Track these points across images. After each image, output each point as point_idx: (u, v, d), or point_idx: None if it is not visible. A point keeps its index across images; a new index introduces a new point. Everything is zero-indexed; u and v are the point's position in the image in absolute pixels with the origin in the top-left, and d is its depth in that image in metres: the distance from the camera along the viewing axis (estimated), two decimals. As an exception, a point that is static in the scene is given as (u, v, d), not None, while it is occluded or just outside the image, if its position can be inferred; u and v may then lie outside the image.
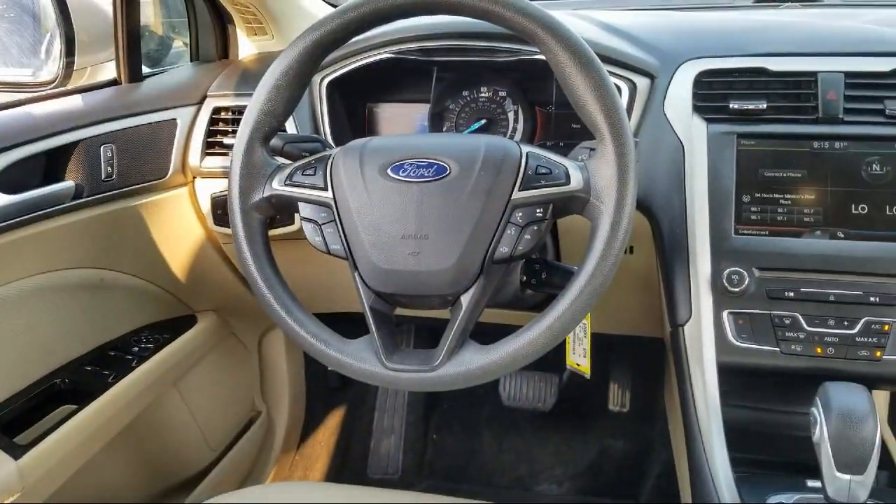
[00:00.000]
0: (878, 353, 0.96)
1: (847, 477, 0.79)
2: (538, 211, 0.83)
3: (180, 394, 1.49)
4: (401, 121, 1.36)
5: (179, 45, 1.61)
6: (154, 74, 1.41)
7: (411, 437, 1.98)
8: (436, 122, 1.29)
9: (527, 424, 1.96)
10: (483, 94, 1.30)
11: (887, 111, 1.02)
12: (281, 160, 0.94)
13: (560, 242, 1.23)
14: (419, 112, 1.34)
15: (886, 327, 0.96)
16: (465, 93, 1.30)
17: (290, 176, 0.90)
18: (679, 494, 1.25)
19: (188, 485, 1.56)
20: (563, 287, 0.83)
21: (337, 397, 2.06)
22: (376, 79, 1.30)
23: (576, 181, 0.83)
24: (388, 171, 0.86)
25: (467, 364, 0.84)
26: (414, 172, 0.85)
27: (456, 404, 2.03)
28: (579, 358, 1.23)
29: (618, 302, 1.35)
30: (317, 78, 1.25)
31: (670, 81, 1.11)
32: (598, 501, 1.81)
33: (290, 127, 1.25)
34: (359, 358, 0.87)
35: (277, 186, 0.90)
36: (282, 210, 0.93)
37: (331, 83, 1.25)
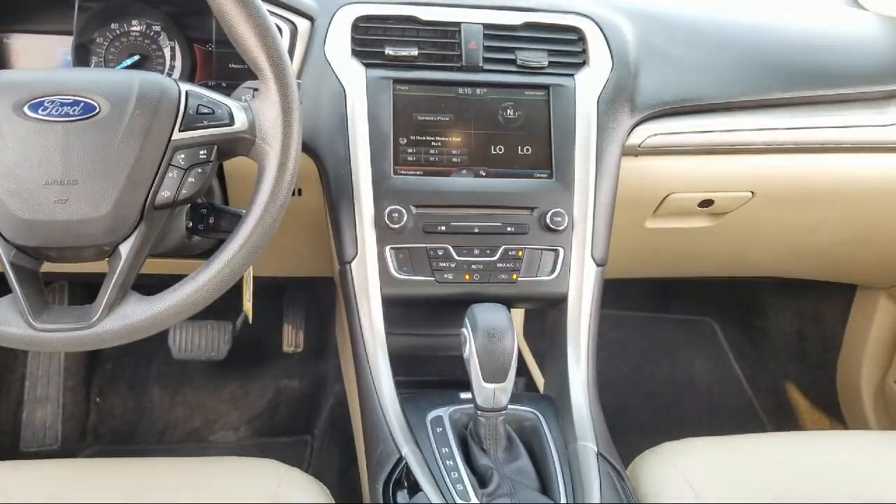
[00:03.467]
0: (515, 276, 1.09)
1: (492, 386, 0.90)
2: (202, 153, 0.81)
3: None
4: (39, 55, 1.20)
5: None
6: None
7: (70, 404, 1.82)
8: (81, 57, 1.17)
9: (200, 375, 1.92)
10: (135, 28, 1.20)
11: (518, 61, 1.14)
12: None
13: (227, 186, 1.20)
14: (61, 45, 1.19)
15: (520, 253, 1.10)
16: (113, 25, 1.19)
17: None
18: (351, 421, 1.33)
19: None
20: (232, 231, 0.82)
21: (-24, 369, 1.82)
22: (4, 5, 1.13)
23: (240, 122, 0.81)
24: (25, 110, 0.76)
25: (130, 317, 0.79)
26: (56, 111, 0.77)
27: (121, 363, 1.91)
28: (247, 301, 1.23)
29: (288, 244, 1.36)
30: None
31: (329, 24, 1.13)
32: (274, 441, 1.85)
33: None
34: None
35: None
36: None
37: (-58, 8, 1.06)
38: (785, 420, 2.06)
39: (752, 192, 1.33)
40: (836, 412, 2.06)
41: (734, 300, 2.18)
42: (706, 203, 1.35)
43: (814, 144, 1.28)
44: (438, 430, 0.99)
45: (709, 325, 2.21)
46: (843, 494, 1.07)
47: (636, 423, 1.78)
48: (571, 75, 1.16)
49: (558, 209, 1.09)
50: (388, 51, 1.12)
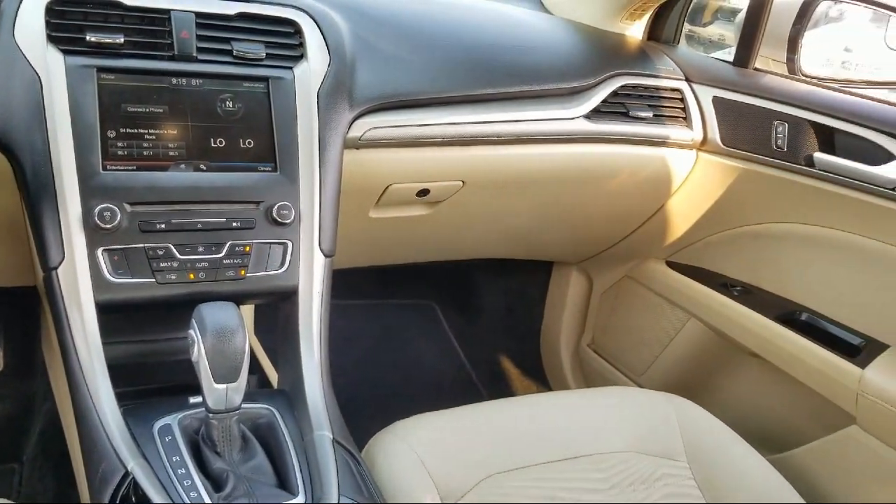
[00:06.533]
0: (243, 272, 1.07)
1: (223, 386, 0.88)
2: None
3: None
4: None
5: None
6: None
7: None
8: None
9: None
10: None
11: (235, 52, 1.11)
12: None
13: None
14: None
15: (247, 248, 1.08)
16: None
17: None
18: (66, 442, 1.22)
19: None
20: None
21: None
22: None
23: None
24: None
25: None
26: None
27: None
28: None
29: (-22, 252, 1.21)
30: None
31: (19, 8, 1.01)
32: None
33: None
34: None
35: None
36: None
37: None
38: (499, 388, 2.25)
39: (463, 182, 1.43)
40: (541, 377, 2.30)
41: (452, 282, 2.33)
42: (423, 192, 1.43)
43: (514, 136, 1.41)
44: (167, 438, 0.94)
45: (431, 307, 2.34)
46: (550, 448, 1.21)
47: (369, 406, 1.83)
48: (290, 68, 1.16)
49: (284, 202, 1.09)
50: (90, 37, 1.03)
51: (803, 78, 1.59)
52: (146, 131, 1.05)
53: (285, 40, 1.17)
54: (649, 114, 1.55)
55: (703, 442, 1.28)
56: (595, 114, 1.49)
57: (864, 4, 1.72)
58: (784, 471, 1.25)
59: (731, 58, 1.67)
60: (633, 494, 1.18)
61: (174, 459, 0.92)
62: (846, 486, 1.44)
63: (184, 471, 0.91)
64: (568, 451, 1.22)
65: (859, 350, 1.45)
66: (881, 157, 1.34)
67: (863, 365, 1.39)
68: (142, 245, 1.02)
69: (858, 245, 1.44)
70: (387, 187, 1.36)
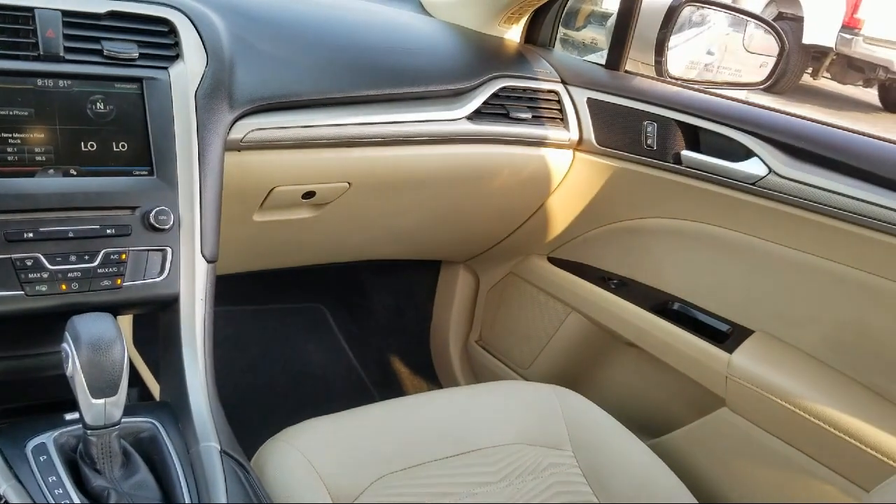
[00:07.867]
0: (119, 281, 1.03)
1: (101, 401, 0.84)
2: None
3: None
4: None
5: None
6: None
7: None
8: None
9: None
10: None
11: (105, 51, 1.07)
12: None
13: None
14: None
15: (124, 256, 1.03)
16: None
17: None
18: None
19: None
20: None
21: None
22: None
23: None
24: None
25: None
26: None
27: None
28: None
29: None
30: None
31: None
32: None
33: None
34: None
35: None
36: None
37: None
38: (390, 388, 2.26)
39: (349, 183, 1.43)
40: (431, 375, 2.32)
41: (340, 284, 2.31)
42: (309, 195, 1.41)
43: (398, 137, 1.42)
44: (42, 458, 0.90)
45: (320, 310, 2.32)
46: (442, 444, 1.23)
47: (258, 414, 1.80)
48: (165, 68, 1.12)
49: (162, 207, 1.05)
50: None
51: (670, 80, 1.68)
52: (10, 135, 0.99)
53: (159, 40, 1.14)
54: (528, 115, 1.59)
55: (587, 431, 1.33)
56: (477, 115, 1.52)
57: (723, 11, 1.83)
58: (662, 454, 1.32)
59: (603, 61, 1.74)
60: (522, 485, 1.21)
61: (50, 479, 0.87)
62: (719, 465, 1.54)
63: (61, 491, 0.86)
64: (459, 447, 1.24)
65: (727, 336, 1.54)
66: (742, 153, 1.43)
67: (730, 350, 1.48)
68: (8, 256, 0.96)
69: (724, 238, 1.54)
70: (271, 190, 1.34)
